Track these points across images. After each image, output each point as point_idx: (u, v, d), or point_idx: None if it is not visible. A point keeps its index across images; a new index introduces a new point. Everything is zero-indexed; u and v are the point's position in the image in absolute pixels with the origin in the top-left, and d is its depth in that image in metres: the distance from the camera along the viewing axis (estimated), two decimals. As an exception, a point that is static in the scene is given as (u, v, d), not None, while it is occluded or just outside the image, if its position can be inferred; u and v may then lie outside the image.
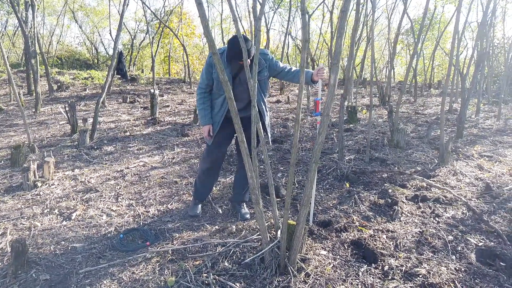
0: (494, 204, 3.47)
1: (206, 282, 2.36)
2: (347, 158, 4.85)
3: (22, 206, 3.65)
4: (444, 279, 2.35)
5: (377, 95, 10.30)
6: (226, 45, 2.98)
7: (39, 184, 4.14)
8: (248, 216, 3.34)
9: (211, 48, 2.17)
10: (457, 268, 2.49)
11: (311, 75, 2.94)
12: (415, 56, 7.85)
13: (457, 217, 3.23)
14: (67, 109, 6.70)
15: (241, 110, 3.07)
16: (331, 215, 3.31)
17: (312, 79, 2.94)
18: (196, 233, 3.09)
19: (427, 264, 2.53)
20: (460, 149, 5.17)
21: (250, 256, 2.59)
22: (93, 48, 22.36)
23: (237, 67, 3.00)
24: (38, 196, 3.90)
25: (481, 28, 6.44)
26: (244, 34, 2.98)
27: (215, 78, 3.03)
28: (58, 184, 4.24)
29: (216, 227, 3.18)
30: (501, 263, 2.55)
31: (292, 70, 3.12)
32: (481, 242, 2.83)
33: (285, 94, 11.86)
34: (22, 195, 3.92)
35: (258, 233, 2.87)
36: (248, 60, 2.80)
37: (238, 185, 3.49)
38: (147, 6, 13.41)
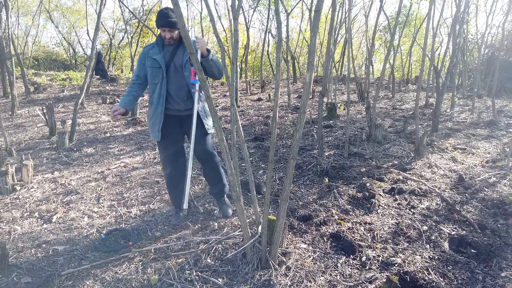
0: (466, 194, 3.61)
1: (189, 278, 2.40)
2: (326, 154, 4.94)
3: (1, 211, 3.61)
4: (419, 267, 2.46)
5: (356, 92, 10.47)
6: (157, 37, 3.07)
7: (18, 187, 4.08)
8: (230, 212, 3.34)
9: (189, 48, 2.20)
10: (431, 257, 2.60)
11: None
12: (391, 51, 8.01)
13: (432, 208, 3.36)
14: (44, 111, 6.59)
15: (181, 103, 3.04)
16: (311, 209, 3.39)
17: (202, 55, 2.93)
18: (178, 231, 3.12)
19: (403, 254, 2.63)
20: (435, 142, 5.34)
21: (232, 252, 2.64)
22: (71, 48, 21.96)
23: (170, 50, 3.00)
24: (17, 200, 3.85)
25: (454, 23, 6.63)
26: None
27: (148, 67, 3.03)
28: (38, 187, 4.19)
29: (199, 225, 3.22)
30: (472, 250, 2.67)
31: None
32: (454, 231, 2.95)
33: (267, 92, 11.92)
34: (1, 199, 3.86)
35: (239, 229, 2.92)
36: (176, 32, 2.91)
37: (208, 181, 3.50)
38: (125, 5, 13.26)
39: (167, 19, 2.84)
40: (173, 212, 3.44)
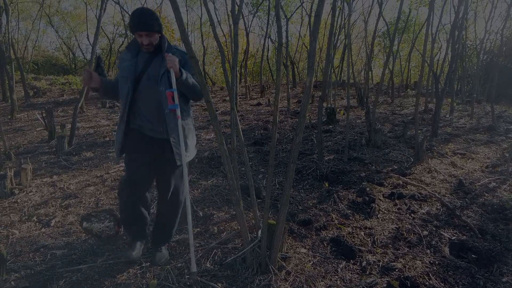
0: (466, 199, 3.60)
1: (188, 283, 2.38)
2: (326, 159, 4.94)
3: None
4: (419, 272, 2.44)
5: (356, 97, 10.49)
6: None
7: (16, 191, 4.06)
8: (162, 262, 2.64)
9: (189, 52, 2.20)
10: (431, 262, 2.58)
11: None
12: (390, 57, 8.04)
13: (432, 213, 3.35)
14: (44, 115, 6.59)
15: (154, 121, 2.52)
16: (311, 214, 3.38)
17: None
18: (177, 236, 3.10)
19: (403, 259, 2.62)
20: (435, 148, 5.34)
21: (231, 257, 2.63)
22: (70, 53, 22.02)
23: (145, 59, 2.53)
24: (16, 204, 3.83)
25: (453, 29, 6.66)
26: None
27: (119, 76, 2.59)
28: (36, 191, 4.18)
29: (198, 229, 3.20)
30: (473, 255, 2.66)
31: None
32: (454, 236, 2.94)
33: (266, 97, 11.94)
34: (-1, 203, 3.85)
35: (239, 233, 2.90)
36: (156, 36, 2.45)
37: (158, 222, 2.85)
38: (125, 10, 13.31)
39: (144, 20, 2.35)
40: (128, 242, 2.82)
